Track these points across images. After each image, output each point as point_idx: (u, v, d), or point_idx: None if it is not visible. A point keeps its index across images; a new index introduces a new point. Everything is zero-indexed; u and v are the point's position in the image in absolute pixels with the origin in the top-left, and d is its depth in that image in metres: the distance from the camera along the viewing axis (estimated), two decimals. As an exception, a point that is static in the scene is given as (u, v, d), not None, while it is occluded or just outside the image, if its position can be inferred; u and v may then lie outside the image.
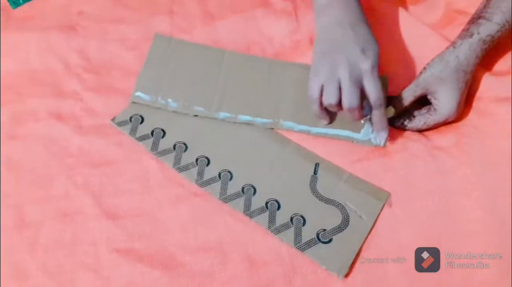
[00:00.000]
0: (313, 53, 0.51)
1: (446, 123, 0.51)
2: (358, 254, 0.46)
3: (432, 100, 0.51)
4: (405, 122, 0.52)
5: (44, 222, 0.48)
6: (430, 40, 0.57)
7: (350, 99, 0.47)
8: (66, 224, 0.48)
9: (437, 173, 0.49)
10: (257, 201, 0.49)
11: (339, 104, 0.48)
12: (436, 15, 0.60)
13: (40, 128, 0.54)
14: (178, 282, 0.45)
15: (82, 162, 0.52)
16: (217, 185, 0.50)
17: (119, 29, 0.61)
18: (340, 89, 0.47)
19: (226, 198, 0.49)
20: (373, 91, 0.47)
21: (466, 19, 0.53)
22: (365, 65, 0.47)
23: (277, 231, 0.47)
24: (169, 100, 0.55)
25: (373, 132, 0.51)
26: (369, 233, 0.47)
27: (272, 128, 0.54)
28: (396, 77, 0.56)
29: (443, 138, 0.51)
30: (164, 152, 0.52)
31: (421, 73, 0.51)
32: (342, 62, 0.47)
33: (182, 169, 0.51)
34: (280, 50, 0.58)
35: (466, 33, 0.50)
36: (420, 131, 0.52)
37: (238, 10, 0.62)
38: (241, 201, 0.49)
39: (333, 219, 0.48)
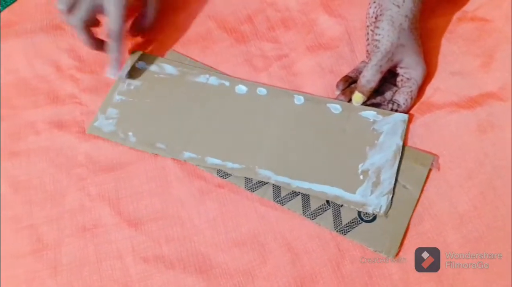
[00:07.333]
0: None
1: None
2: (408, 229, 0.42)
3: (400, 70, 0.48)
4: (393, 108, 0.48)
5: (63, 241, 0.45)
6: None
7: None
8: (87, 239, 0.45)
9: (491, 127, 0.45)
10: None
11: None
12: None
13: (42, 140, 0.51)
14: (216, 284, 0.42)
15: (93, 170, 0.49)
16: (240, 174, 0.47)
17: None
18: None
19: (252, 187, 0.46)
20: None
21: None
22: None
23: (313, 215, 0.44)
24: (130, 134, 0.49)
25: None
26: (417, 204, 0.43)
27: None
28: None
29: (490, 79, 0.45)
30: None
31: (374, 45, 0.46)
32: None
33: (200, 160, 0.48)
34: (287, 15, 0.53)
35: None
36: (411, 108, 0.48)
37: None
38: (269, 188, 0.45)
39: (374, 193, 0.43)
